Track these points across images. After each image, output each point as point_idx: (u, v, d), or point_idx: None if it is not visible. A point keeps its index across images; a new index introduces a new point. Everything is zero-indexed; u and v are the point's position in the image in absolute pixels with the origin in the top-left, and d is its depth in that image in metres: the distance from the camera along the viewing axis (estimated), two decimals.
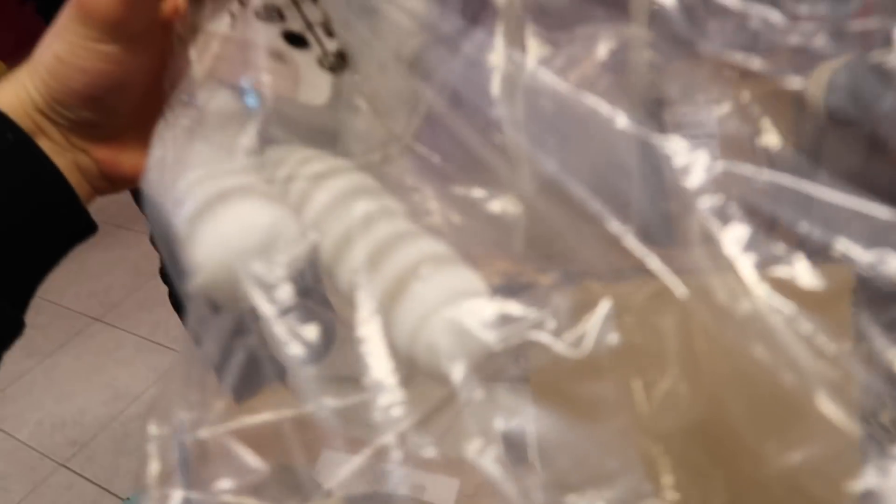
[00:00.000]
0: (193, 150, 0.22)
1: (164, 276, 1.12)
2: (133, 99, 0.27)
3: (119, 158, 0.29)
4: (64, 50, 0.25)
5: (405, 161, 0.21)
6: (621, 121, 0.16)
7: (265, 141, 0.23)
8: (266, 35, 0.21)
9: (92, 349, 1.65)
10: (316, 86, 0.22)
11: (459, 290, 0.17)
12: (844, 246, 0.13)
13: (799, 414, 0.13)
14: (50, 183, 0.27)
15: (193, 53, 0.23)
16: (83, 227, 0.28)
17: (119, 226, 2.02)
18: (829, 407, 0.13)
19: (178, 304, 1.13)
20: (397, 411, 0.15)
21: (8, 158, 0.25)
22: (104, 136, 0.28)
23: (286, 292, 0.17)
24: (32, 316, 0.26)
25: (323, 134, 0.23)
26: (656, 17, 0.16)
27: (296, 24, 0.22)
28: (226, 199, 0.18)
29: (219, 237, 0.17)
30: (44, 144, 0.26)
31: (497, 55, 0.17)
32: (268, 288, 0.16)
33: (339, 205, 0.19)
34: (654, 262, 0.15)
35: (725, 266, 0.14)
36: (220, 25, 0.23)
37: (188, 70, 0.24)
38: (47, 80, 0.26)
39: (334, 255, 0.19)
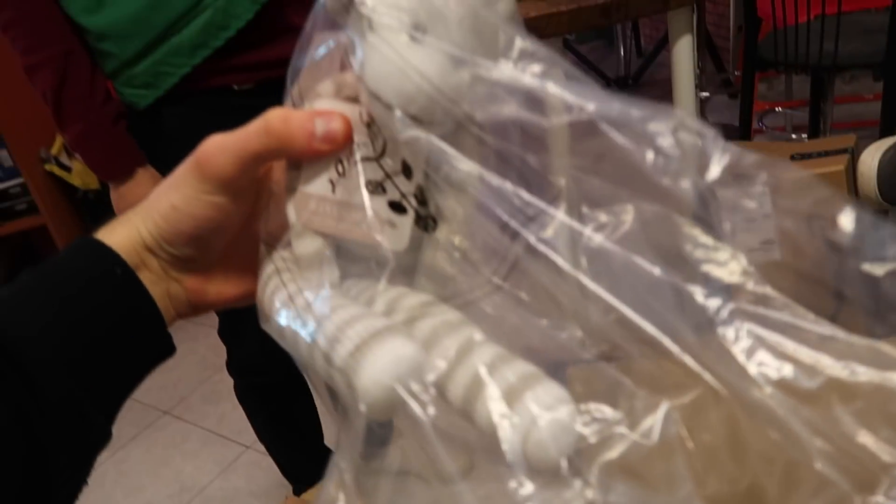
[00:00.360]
0: (323, 294, 0.27)
1: (231, 369, 1.18)
2: (227, 239, 0.32)
3: (206, 288, 0.33)
4: (179, 199, 0.29)
5: (491, 299, 0.26)
6: (657, 271, 0.22)
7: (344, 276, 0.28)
8: (374, 205, 0.27)
9: (160, 442, 1.70)
10: (399, 234, 0.27)
11: (558, 399, 0.22)
12: (813, 357, 0.20)
13: (806, 476, 0.18)
14: (145, 312, 0.30)
15: (291, 210, 0.28)
16: (166, 350, 0.32)
17: (188, 320, 2.12)
18: (826, 469, 0.19)
19: (242, 396, 1.18)
20: (525, 491, 0.20)
21: (115, 290, 0.30)
22: (196, 268, 0.32)
23: (432, 405, 0.22)
24: None
25: (399, 272, 0.28)
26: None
27: (394, 195, 0.27)
28: (379, 337, 0.23)
29: (380, 367, 0.23)
30: (144, 276, 0.30)
31: (561, 222, 0.23)
32: (423, 403, 0.22)
33: (447, 332, 0.24)
34: (706, 375, 0.21)
35: (741, 372, 0.21)
36: (317, 188, 0.28)
37: (287, 223, 0.29)
38: (160, 223, 0.30)
39: (447, 374, 0.24)
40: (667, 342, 0.21)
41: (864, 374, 0.20)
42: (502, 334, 0.24)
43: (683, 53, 1.40)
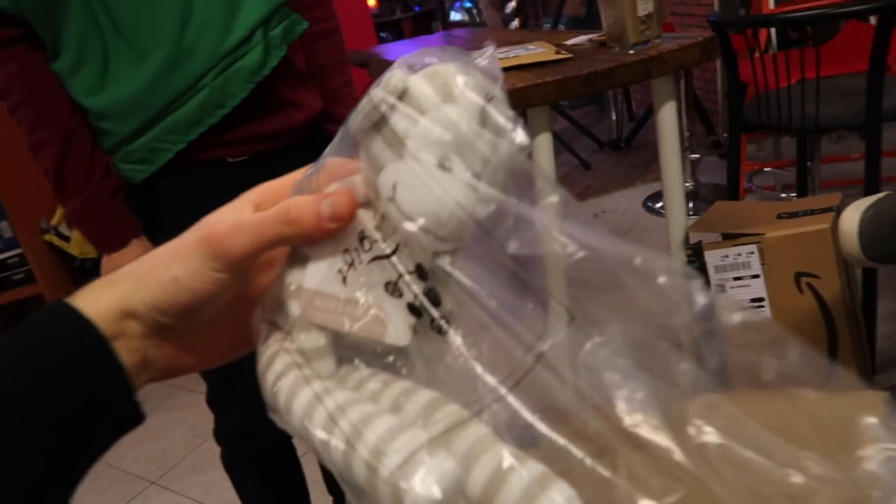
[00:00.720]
0: (352, 398, 0.28)
1: (218, 437, 1.16)
2: (216, 311, 0.32)
3: (182, 354, 0.33)
4: (183, 272, 0.30)
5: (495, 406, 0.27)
6: (640, 394, 0.26)
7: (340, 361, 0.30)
8: (393, 307, 0.29)
9: None
10: (403, 331, 0.29)
11: (569, 499, 0.24)
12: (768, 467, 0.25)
13: None
14: (113, 383, 0.30)
15: (294, 304, 0.30)
16: (133, 419, 0.31)
17: (180, 387, 2.09)
18: None
19: (229, 465, 1.16)
20: None
21: (82, 359, 0.29)
22: (177, 336, 0.32)
23: None
24: (92, 480, 0.29)
25: (398, 355, 0.29)
26: None
27: (409, 296, 0.29)
28: (425, 452, 0.25)
29: (430, 483, 0.24)
30: (121, 343, 0.30)
31: (563, 337, 0.27)
32: None
33: (460, 431, 0.26)
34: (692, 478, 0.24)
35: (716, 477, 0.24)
36: (323, 284, 0.29)
37: (289, 314, 0.30)
38: (158, 292, 0.30)
39: (466, 472, 0.25)
40: (656, 446, 0.25)
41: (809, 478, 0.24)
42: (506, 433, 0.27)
43: (668, 118, 1.44)
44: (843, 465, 0.25)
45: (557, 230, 0.27)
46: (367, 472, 0.25)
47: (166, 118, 0.86)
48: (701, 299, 0.27)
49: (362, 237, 0.29)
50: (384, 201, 0.28)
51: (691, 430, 0.25)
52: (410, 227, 0.27)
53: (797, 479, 0.24)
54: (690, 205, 2.65)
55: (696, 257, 1.48)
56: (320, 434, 0.27)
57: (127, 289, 0.30)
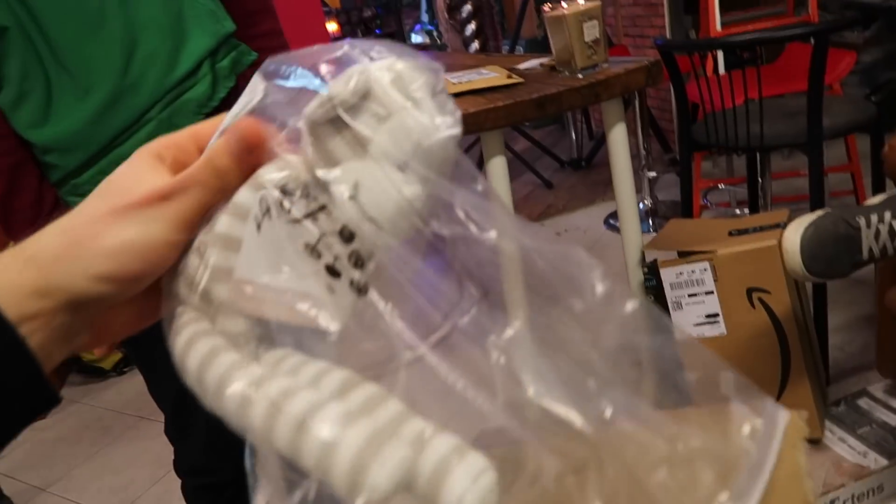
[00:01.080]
0: (295, 386, 0.27)
1: (178, 468, 1.15)
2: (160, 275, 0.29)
3: (109, 321, 0.31)
4: (140, 237, 0.27)
5: (411, 369, 0.28)
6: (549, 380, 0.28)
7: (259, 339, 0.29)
8: (311, 268, 0.28)
9: None
10: (337, 311, 0.28)
11: (481, 469, 0.25)
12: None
13: None
14: (14, 362, 0.26)
15: (222, 289, 0.29)
16: (47, 401, 0.28)
17: (143, 417, 2.05)
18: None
19: (190, 497, 1.14)
20: None
21: None
22: (106, 306, 0.29)
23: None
24: None
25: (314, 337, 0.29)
26: None
27: (329, 259, 0.29)
28: (382, 441, 0.25)
29: (387, 472, 0.24)
30: (36, 323, 0.27)
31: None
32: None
33: (377, 408, 0.27)
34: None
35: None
36: (254, 272, 0.29)
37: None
38: (104, 262, 0.27)
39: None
40: (559, 419, 0.27)
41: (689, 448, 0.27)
42: (422, 403, 0.27)
43: (619, 140, 1.48)
44: (718, 439, 0.27)
45: (476, 213, 0.28)
46: (322, 454, 0.25)
47: (113, 151, 0.86)
48: (601, 287, 0.28)
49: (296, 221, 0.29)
50: (341, 198, 0.28)
51: (590, 405, 0.27)
52: (370, 227, 0.28)
53: (679, 448, 0.26)
54: (650, 222, 2.70)
55: (652, 275, 1.52)
56: (262, 421, 0.26)
57: (48, 262, 0.27)
